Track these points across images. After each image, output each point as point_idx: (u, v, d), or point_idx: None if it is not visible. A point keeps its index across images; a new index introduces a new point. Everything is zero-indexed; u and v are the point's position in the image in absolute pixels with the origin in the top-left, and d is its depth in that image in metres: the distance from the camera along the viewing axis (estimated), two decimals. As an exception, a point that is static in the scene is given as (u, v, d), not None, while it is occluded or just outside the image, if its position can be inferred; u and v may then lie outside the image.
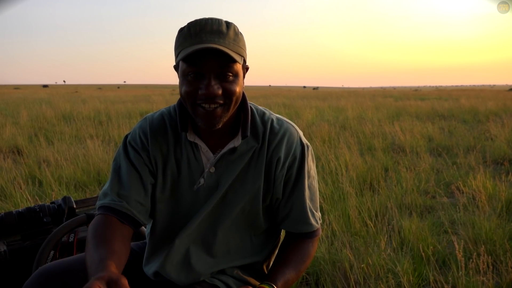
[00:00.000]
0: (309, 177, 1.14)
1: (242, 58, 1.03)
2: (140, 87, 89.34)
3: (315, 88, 66.42)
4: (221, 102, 1.00)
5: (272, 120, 1.13)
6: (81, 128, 8.12)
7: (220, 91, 0.98)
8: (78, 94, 27.86)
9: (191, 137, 1.08)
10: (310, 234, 1.15)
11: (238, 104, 1.06)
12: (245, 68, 1.08)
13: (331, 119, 9.49)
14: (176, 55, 1.02)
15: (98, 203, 1.07)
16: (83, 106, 12.73)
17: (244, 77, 1.07)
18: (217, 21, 0.99)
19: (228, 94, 1.00)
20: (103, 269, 0.83)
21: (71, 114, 10.56)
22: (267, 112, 1.16)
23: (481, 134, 7.42)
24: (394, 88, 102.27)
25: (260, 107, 1.17)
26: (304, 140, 1.14)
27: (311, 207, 1.14)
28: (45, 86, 65.26)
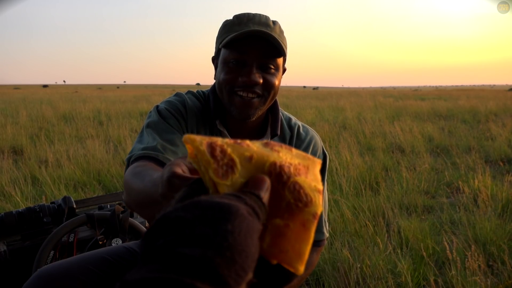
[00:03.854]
0: (325, 186, 1.14)
1: (284, 56, 1.01)
2: (140, 87, 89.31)
3: (315, 88, 66.42)
4: (259, 92, 0.98)
5: (299, 126, 1.12)
6: (81, 128, 8.12)
7: (261, 80, 0.96)
8: (78, 94, 27.85)
9: (221, 127, 1.05)
10: (319, 242, 1.14)
11: (273, 101, 1.04)
12: (284, 69, 1.06)
13: (331, 119, 9.49)
14: (219, 44, 1.00)
15: (138, 153, 0.91)
16: (83, 106, 12.73)
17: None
18: (265, 16, 1.00)
19: (268, 86, 0.98)
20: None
21: (71, 114, 10.56)
22: (293, 118, 1.16)
23: (481, 134, 7.42)
24: (394, 88, 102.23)
25: (286, 112, 1.16)
26: (325, 149, 1.14)
27: (324, 216, 1.14)
28: (45, 86, 65.26)
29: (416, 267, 2.37)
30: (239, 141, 0.38)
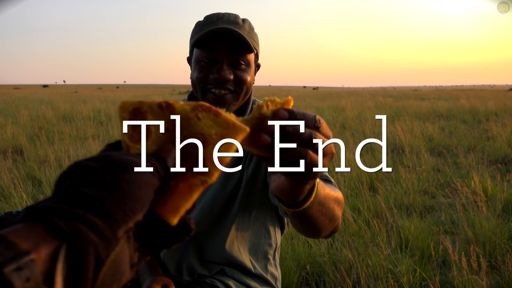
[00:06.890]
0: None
1: (255, 52, 1.03)
2: (140, 87, 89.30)
3: (315, 88, 66.41)
4: (231, 89, 1.00)
5: None
6: (81, 128, 8.12)
7: (231, 77, 0.99)
8: (78, 94, 27.84)
9: None
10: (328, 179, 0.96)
11: (247, 96, 1.06)
12: (257, 65, 1.08)
13: (331, 119, 9.49)
14: (191, 44, 1.03)
15: None
16: (83, 106, 12.72)
17: (255, 73, 1.08)
18: (234, 15, 1.02)
19: (239, 82, 1.00)
20: (154, 272, 1.00)
21: (71, 114, 10.56)
22: None
23: (481, 134, 7.42)
24: (394, 88, 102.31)
25: None
26: None
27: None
28: (45, 86, 65.28)
29: (416, 267, 2.38)
30: (170, 102, 0.42)
